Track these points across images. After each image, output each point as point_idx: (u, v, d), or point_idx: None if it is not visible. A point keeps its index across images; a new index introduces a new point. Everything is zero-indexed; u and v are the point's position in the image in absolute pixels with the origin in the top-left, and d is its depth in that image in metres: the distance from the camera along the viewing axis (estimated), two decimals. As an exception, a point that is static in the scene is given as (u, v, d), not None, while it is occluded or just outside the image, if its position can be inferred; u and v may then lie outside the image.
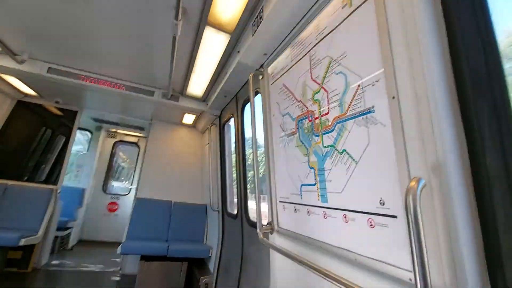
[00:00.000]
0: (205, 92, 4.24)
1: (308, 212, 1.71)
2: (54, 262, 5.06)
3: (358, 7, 1.33)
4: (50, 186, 4.76)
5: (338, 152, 1.42)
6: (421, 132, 0.98)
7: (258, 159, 2.61)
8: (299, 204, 1.83)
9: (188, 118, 5.36)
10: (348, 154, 1.35)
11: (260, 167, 2.43)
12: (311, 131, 1.70)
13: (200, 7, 2.39)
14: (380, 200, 1.14)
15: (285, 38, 2.10)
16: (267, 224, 2.28)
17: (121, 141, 8.20)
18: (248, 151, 3.61)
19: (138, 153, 8.23)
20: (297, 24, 1.92)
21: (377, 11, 1.19)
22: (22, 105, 4.95)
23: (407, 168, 1.01)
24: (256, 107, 2.46)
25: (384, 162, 1.12)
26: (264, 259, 2.56)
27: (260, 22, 2.12)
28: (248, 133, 3.56)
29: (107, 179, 7.75)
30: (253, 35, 2.29)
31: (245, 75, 2.81)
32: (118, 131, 7.92)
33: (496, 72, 0.92)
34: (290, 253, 1.73)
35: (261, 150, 2.46)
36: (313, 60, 1.71)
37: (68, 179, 6.70)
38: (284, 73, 2.11)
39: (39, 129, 5.32)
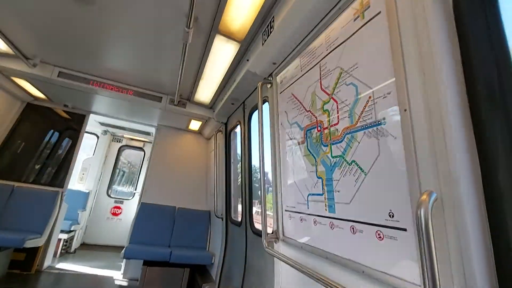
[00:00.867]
0: (212, 99, 4.27)
1: (314, 222, 1.70)
2: (57, 265, 5.06)
3: (370, 19, 1.34)
4: (56, 189, 4.80)
5: (347, 162, 1.42)
6: (433, 145, 0.98)
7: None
8: (305, 213, 1.82)
9: (195, 125, 5.39)
10: (357, 165, 1.35)
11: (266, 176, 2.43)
12: (320, 141, 1.70)
13: (212, 16, 2.43)
14: (389, 213, 1.13)
15: (295, 48, 2.12)
16: (272, 233, 2.27)
17: (127, 146, 8.25)
18: (254, 158, 3.61)
19: (143, 158, 8.27)
20: (307, 34, 1.94)
21: (390, 24, 1.20)
22: (31, 108, 5.03)
23: (418, 181, 1.01)
24: (263, 115, 2.47)
25: (394, 174, 1.12)
26: (268, 268, 2.54)
27: (271, 32, 2.15)
28: (254, 141, 3.57)
29: (111, 183, 7.78)
30: (263, 44, 2.32)
31: (253, 83, 2.83)
32: (124, 135, 7.98)
33: (509, 85, 0.93)
34: (295, 263, 1.72)
35: (267, 158, 2.45)
36: (323, 70, 1.73)
37: (72, 183, 6.74)
38: (293, 82, 2.13)
39: (47, 132, 5.39)
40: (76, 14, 2.68)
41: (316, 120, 1.76)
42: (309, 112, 1.86)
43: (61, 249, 5.57)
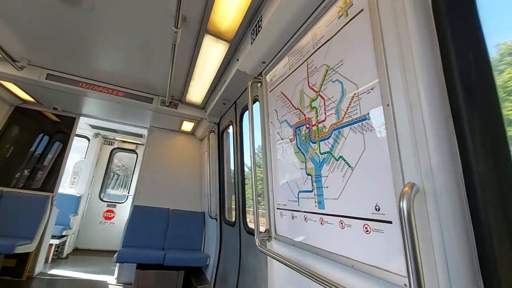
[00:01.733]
0: (204, 99, 4.27)
1: (305, 218, 1.72)
2: (49, 270, 4.98)
3: (353, 17, 1.36)
4: (46, 193, 4.73)
5: (335, 158, 1.44)
6: (414, 138, 1.00)
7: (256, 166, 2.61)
8: (296, 211, 1.84)
9: (187, 126, 5.38)
10: (345, 160, 1.36)
11: (258, 175, 2.44)
12: (308, 138, 1.72)
13: (200, 16, 2.43)
14: (376, 206, 1.15)
15: (283, 47, 2.14)
16: (264, 231, 2.28)
17: (119, 148, 8.18)
18: (247, 158, 3.62)
19: (136, 160, 8.21)
20: (295, 33, 1.96)
21: (372, 21, 1.23)
22: (20, 111, 4.96)
23: (401, 174, 1.03)
24: (254, 114, 2.48)
25: (380, 168, 1.14)
26: (262, 267, 2.55)
27: (259, 31, 2.16)
28: (247, 141, 3.58)
29: (104, 187, 7.71)
30: (252, 44, 2.33)
31: (244, 83, 2.84)
32: (116, 138, 7.91)
33: (487, 81, 0.95)
34: (287, 260, 1.73)
35: (259, 157, 2.46)
36: (310, 68, 1.75)
37: (63, 187, 6.66)
38: (282, 81, 2.14)
39: (36, 136, 5.31)
40: (64, 16, 2.66)
41: (305, 117, 1.78)
42: (298, 110, 1.88)
43: (53, 255, 5.47)
